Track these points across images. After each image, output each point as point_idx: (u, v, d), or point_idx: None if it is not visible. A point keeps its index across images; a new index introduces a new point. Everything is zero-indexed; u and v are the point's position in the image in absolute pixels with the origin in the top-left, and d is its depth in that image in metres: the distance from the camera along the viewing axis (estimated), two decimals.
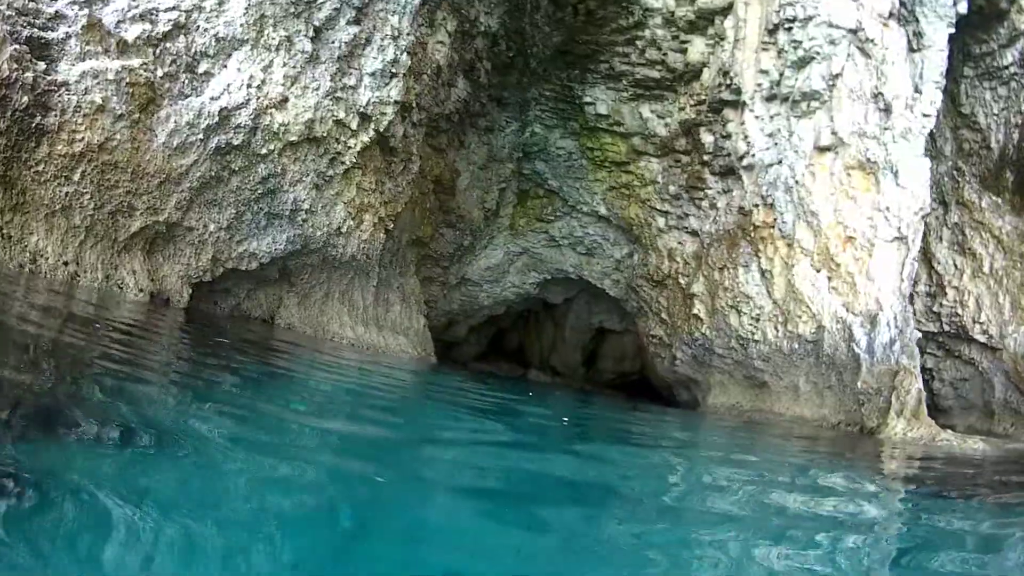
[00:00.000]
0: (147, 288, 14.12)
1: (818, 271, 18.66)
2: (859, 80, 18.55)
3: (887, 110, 18.22)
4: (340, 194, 17.80)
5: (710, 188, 22.22)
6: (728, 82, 20.67)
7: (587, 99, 23.72)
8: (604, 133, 24.22)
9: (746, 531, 6.10)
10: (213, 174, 14.86)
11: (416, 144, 20.95)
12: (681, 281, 23.75)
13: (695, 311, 22.95)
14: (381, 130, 18.08)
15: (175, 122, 14.09)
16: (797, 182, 19.12)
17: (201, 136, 14.41)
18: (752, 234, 20.52)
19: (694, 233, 23.28)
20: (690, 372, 24.49)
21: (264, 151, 15.49)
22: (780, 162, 19.67)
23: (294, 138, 15.92)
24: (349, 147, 17.50)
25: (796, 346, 19.43)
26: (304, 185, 16.64)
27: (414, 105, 19.48)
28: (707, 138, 21.80)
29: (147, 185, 13.92)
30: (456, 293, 28.03)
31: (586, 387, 30.98)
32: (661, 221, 24.10)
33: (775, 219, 19.76)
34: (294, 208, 16.53)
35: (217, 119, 14.55)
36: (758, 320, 20.49)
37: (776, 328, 19.98)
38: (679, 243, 23.84)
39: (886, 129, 18.20)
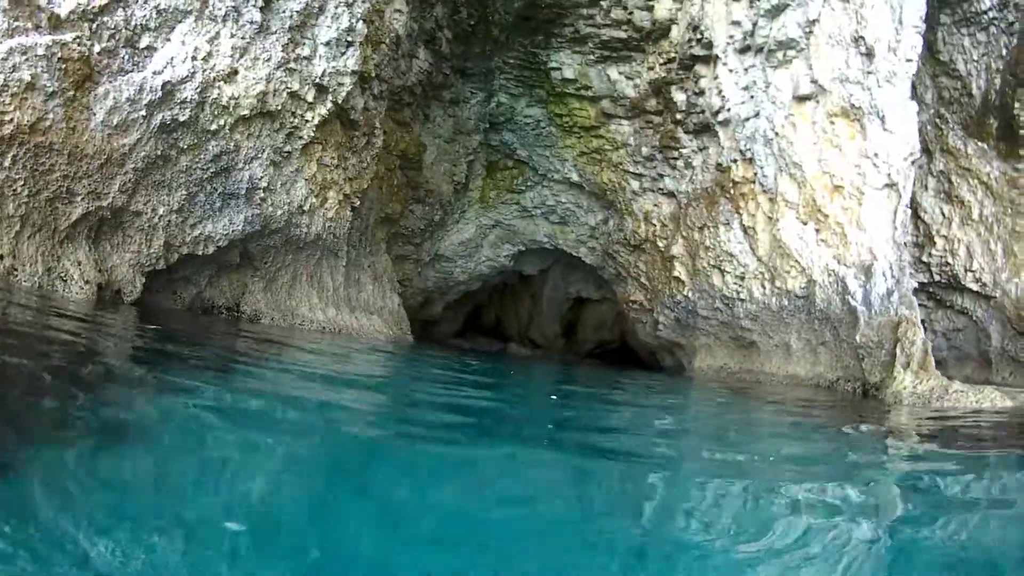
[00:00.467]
0: (94, 279, 12.53)
1: (805, 224, 17.30)
2: (837, 25, 17.14)
3: (869, 54, 16.83)
4: (300, 171, 16.29)
5: (684, 147, 20.83)
6: (699, 37, 19.27)
7: (552, 64, 22.23)
8: (572, 98, 22.77)
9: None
10: (159, 153, 13.29)
11: (378, 117, 19.46)
12: (659, 244, 22.39)
13: (675, 274, 21.61)
14: (339, 102, 16.58)
15: (114, 99, 12.49)
16: (777, 134, 17.75)
17: (143, 113, 12.83)
18: (732, 191, 19.16)
19: (670, 194, 21.90)
20: (674, 336, 23.19)
21: (214, 127, 13.93)
22: (757, 115, 18.29)
23: (246, 112, 14.38)
24: (307, 121, 15.98)
25: (786, 303, 18.11)
26: (260, 162, 15.11)
27: (373, 75, 17.97)
28: (679, 96, 20.40)
29: (87, 167, 12.33)
30: (430, 271, 26.61)
31: (567, 358, 29.71)
32: (635, 184, 22.71)
33: (755, 173, 18.39)
34: (251, 187, 14.98)
35: (160, 94, 12.96)
36: (743, 279, 19.17)
37: (763, 285, 18.66)
38: (655, 205, 22.46)
39: (869, 73, 16.81)
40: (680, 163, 21.13)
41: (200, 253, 14.58)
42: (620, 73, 21.70)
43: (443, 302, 28.15)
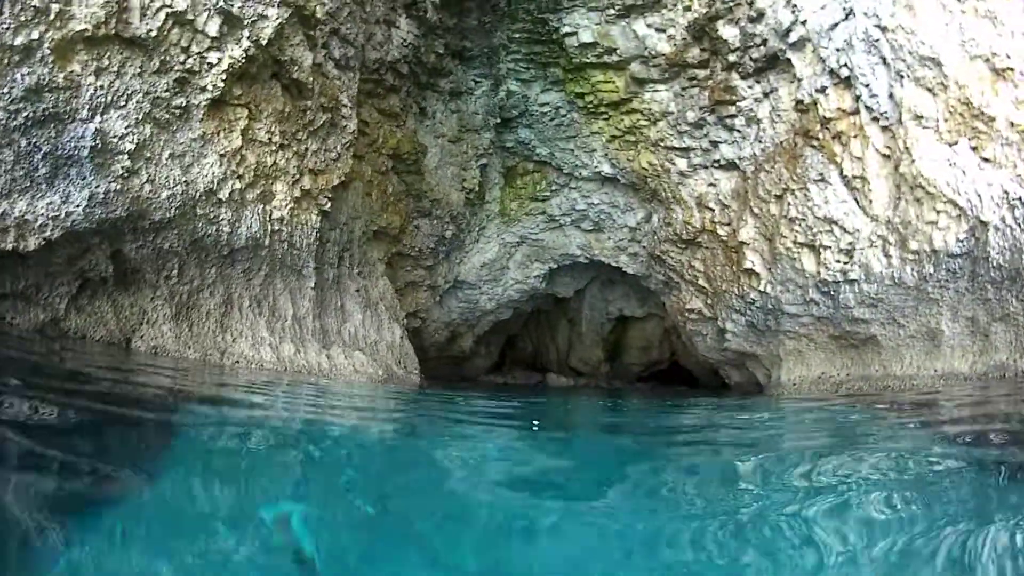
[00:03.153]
0: None
1: (953, 144, 9.96)
2: None
3: None
4: (208, 140, 9.52)
5: (744, 97, 13.79)
6: None
7: (566, 29, 15.33)
8: (593, 69, 15.83)
9: None
10: None
11: (347, 93, 12.80)
12: (720, 232, 15.30)
13: (747, 265, 14.46)
14: (263, 43, 9.93)
15: None
16: (885, 28, 10.55)
17: None
18: (822, 134, 12.03)
19: (730, 165, 14.79)
20: (746, 346, 15.97)
21: (18, 42, 7.24)
22: (849, 14, 11.16)
23: (84, 27, 7.68)
24: (210, 64, 9.28)
25: (930, 270, 10.72)
26: (123, 114, 8.33)
27: (321, 20, 11.32)
28: (729, 32, 13.42)
29: None
30: (452, 300, 19.75)
31: (613, 385, 22.51)
32: (682, 163, 15.69)
33: (858, 97, 11.24)
34: (101, 148, 8.15)
35: None
36: (851, 252, 11.89)
37: (885, 254, 11.36)
38: (710, 185, 15.39)
39: None
40: (740, 120, 14.08)
41: (10, 248, 7.68)
42: (649, 26, 14.77)
43: (472, 335, 21.23)
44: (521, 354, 25.23)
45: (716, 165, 15.04)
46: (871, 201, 11.25)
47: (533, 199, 18.80)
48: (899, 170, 10.60)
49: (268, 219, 10.95)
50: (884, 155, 10.95)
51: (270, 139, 10.84)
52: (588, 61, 15.64)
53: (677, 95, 15.08)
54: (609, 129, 16.62)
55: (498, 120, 17.22)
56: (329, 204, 12.67)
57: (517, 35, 15.80)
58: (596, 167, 17.35)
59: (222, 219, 9.92)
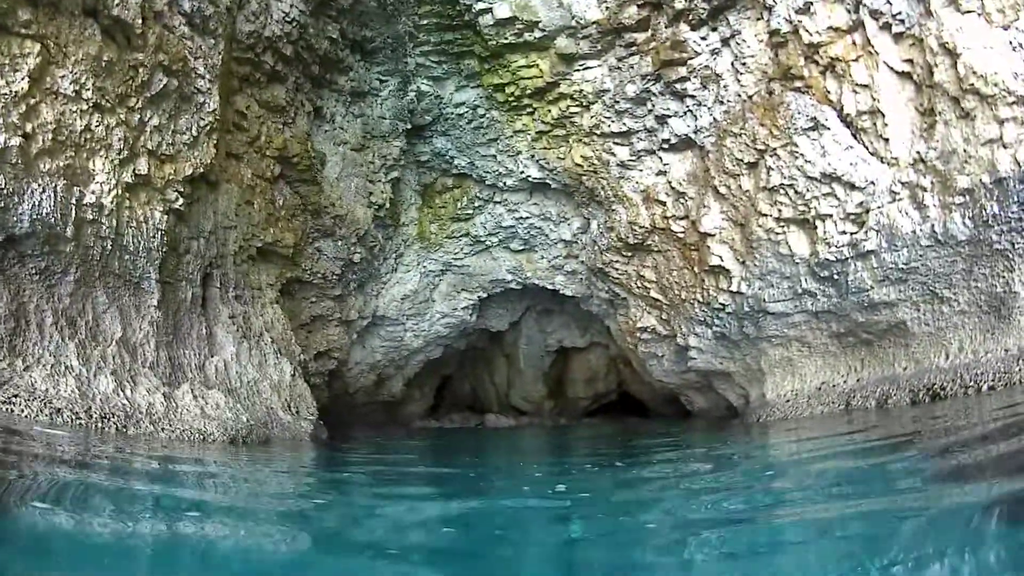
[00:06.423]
0: None
1: (1012, 23, 6.57)
2: None
3: None
4: None
5: (696, 53, 10.33)
6: None
7: (480, 6, 11.76)
8: (513, 53, 12.24)
9: None
10: None
11: (205, 62, 9.07)
12: (675, 228, 11.71)
13: (712, 262, 10.87)
14: None
15: None
16: None
17: None
18: (806, 71, 8.58)
19: (683, 143, 11.22)
20: (716, 363, 12.31)
21: None
22: None
23: None
24: None
25: (995, 208, 6.81)
26: None
27: None
28: None
29: None
30: (374, 339, 15.87)
31: (559, 424, 18.58)
32: (622, 152, 12.14)
33: (857, 4, 7.83)
34: None
35: None
36: (862, 216, 8.34)
37: (918, 204, 7.73)
38: (659, 173, 11.83)
39: None
40: (693, 83, 10.61)
41: None
42: None
43: (402, 377, 17.27)
44: (458, 395, 21.17)
45: (665, 146, 11.53)
46: (887, 140, 7.78)
47: (455, 219, 15.12)
48: (931, 82, 7.15)
49: (75, 203, 7.06)
50: (902, 72, 7.53)
51: (78, 93, 7.02)
52: (506, 42, 12.09)
53: (613, 68, 11.62)
54: (534, 124, 13.08)
55: (409, 126, 13.55)
56: (183, 203, 8.83)
57: (425, 21, 12.20)
58: (523, 172, 13.76)
59: None
